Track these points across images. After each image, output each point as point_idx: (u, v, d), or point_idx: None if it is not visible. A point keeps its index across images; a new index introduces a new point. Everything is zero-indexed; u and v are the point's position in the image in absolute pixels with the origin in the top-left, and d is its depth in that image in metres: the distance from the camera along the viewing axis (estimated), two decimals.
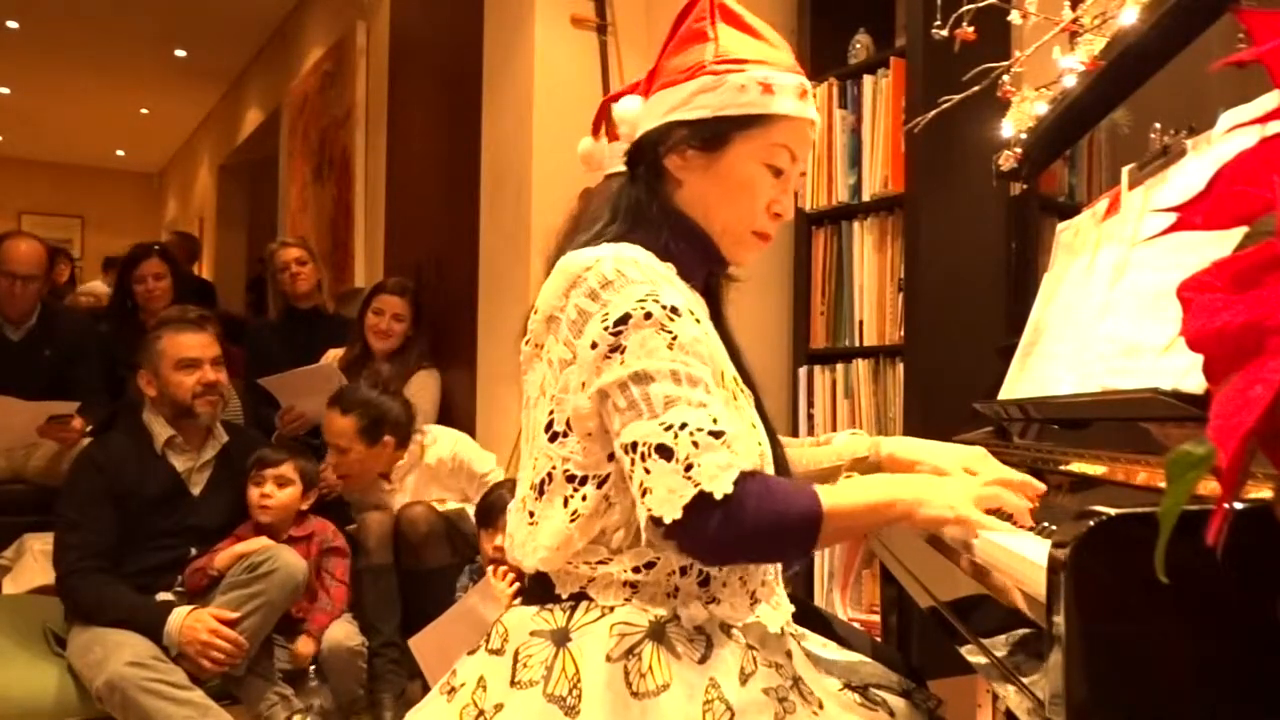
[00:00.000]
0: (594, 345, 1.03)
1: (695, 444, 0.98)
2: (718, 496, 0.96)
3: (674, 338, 1.02)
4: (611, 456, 1.06)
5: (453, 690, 1.10)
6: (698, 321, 1.06)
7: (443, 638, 2.28)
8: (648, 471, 0.98)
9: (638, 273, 1.05)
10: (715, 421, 1.00)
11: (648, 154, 1.17)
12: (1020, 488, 1.11)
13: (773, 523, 1.00)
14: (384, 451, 2.83)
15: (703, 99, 1.14)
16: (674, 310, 1.03)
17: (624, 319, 1.02)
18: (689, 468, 0.97)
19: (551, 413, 1.09)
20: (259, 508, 2.61)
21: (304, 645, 2.56)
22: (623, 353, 1.02)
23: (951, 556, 1.12)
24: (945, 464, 1.27)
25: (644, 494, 0.99)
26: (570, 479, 1.07)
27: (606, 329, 1.03)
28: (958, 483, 1.15)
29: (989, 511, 1.06)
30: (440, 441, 2.97)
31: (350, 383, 2.95)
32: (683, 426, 0.98)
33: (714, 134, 1.14)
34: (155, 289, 3.92)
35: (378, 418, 2.78)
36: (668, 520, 0.97)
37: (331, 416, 2.80)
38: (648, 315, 1.02)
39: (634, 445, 1.00)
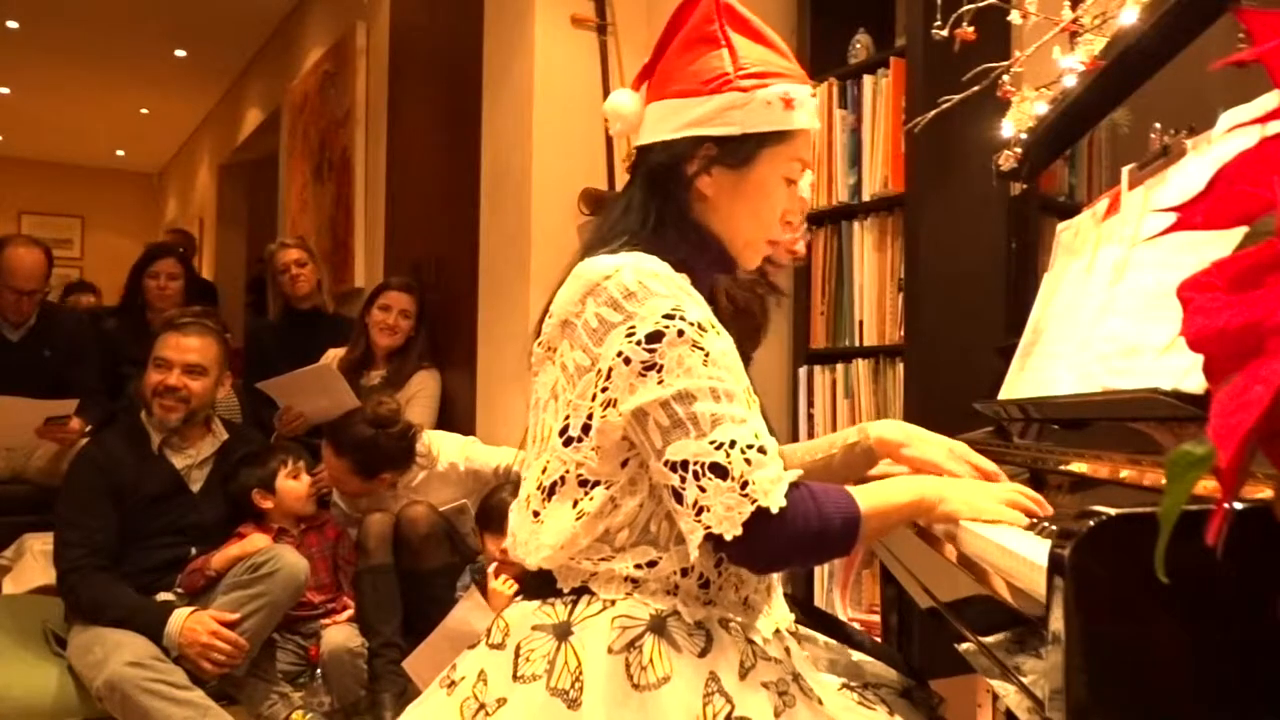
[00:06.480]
0: (626, 361, 1.04)
1: (748, 461, 1.00)
2: (774, 510, 0.99)
3: (707, 354, 1.04)
4: (624, 464, 1.07)
5: (453, 684, 1.11)
6: (719, 334, 1.07)
7: (436, 654, 2.27)
8: (702, 490, 1.00)
9: (660, 285, 1.06)
10: (758, 436, 1.02)
11: (670, 166, 1.16)
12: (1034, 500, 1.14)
13: (820, 529, 1.03)
14: (382, 484, 2.82)
15: (733, 115, 1.13)
16: (701, 326, 1.05)
17: (656, 336, 1.03)
18: (745, 485, 1.00)
19: (567, 417, 1.09)
20: (323, 489, 2.78)
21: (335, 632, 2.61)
22: (660, 370, 1.03)
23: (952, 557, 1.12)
24: (931, 450, 1.29)
25: (699, 511, 1.00)
26: (583, 483, 1.08)
27: (639, 344, 1.03)
28: (979, 485, 1.16)
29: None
30: (447, 449, 2.94)
31: (351, 411, 2.85)
32: (732, 444, 1.01)
33: (744, 151, 1.15)
34: (168, 288, 3.96)
35: (372, 461, 2.76)
36: (729, 538, 0.99)
37: (326, 453, 2.80)
38: (680, 333, 1.03)
39: (684, 464, 1.01)
